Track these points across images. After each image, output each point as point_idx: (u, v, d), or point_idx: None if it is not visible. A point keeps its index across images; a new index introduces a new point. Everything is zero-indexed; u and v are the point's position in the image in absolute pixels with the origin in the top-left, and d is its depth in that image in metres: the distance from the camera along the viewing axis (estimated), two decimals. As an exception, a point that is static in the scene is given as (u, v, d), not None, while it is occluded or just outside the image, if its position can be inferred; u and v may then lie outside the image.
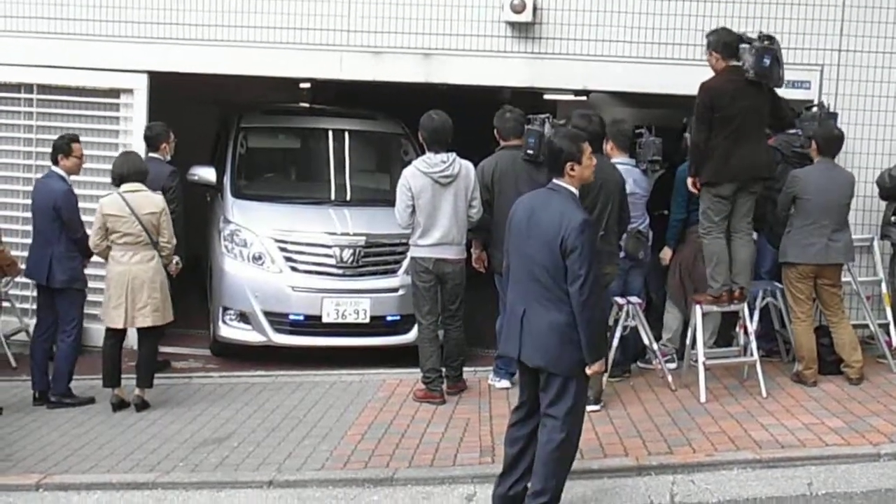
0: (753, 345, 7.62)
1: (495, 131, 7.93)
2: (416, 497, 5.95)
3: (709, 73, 7.47)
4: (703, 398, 7.33)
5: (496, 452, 6.29)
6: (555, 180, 5.47)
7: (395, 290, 8.87)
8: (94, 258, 7.85)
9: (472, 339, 8.35)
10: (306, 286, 8.80)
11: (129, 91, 9.30)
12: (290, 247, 8.88)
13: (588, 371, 5.33)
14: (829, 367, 7.85)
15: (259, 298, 8.81)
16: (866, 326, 8.40)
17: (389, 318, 8.89)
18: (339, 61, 9.12)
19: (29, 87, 9.42)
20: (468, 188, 7.60)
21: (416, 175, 7.55)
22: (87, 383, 7.91)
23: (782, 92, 7.82)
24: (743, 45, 7.38)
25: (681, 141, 8.32)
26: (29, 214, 8.08)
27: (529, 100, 10.05)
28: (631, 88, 9.27)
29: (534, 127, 7.67)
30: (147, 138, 8.76)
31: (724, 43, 7.40)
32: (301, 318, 8.81)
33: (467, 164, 7.65)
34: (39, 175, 8.51)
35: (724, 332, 8.30)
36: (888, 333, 8.34)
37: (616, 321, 7.60)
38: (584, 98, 10.58)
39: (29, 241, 8.05)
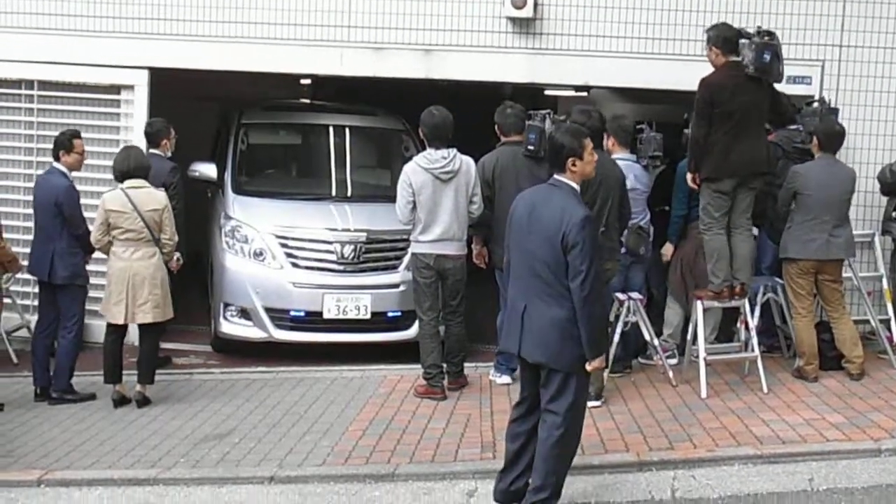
0: (754, 340, 7.62)
1: (496, 127, 7.93)
2: (417, 492, 5.95)
3: (709, 69, 7.46)
4: (704, 394, 7.34)
5: (497, 448, 6.29)
6: (556, 176, 5.47)
7: (395, 286, 8.87)
8: (96, 254, 7.86)
9: (472, 335, 8.34)
10: (307, 282, 8.80)
11: (130, 87, 9.29)
12: (290, 243, 8.88)
13: (588, 367, 5.33)
14: (829, 362, 7.85)
15: (260, 294, 8.81)
16: (867, 322, 8.40)
17: (390, 315, 8.89)
18: (339, 57, 9.11)
19: (30, 84, 9.41)
20: (469, 184, 7.60)
21: (417, 171, 7.55)
22: (89, 379, 7.91)
23: (783, 87, 7.82)
24: (743, 41, 7.36)
25: (681, 136, 8.31)
26: (30, 211, 8.07)
27: (530, 95, 10.04)
28: (632, 84, 9.25)
29: (535, 123, 7.67)
30: (148, 134, 8.73)
31: (723, 38, 7.38)
32: (302, 314, 8.81)
33: (468, 160, 7.64)
34: (40, 171, 8.53)
35: (725, 328, 8.29)
36: (889, 329, 8.33)
37: (617, 317, 7.62)
38: (585, 94, 10.57)
39: (30, 237, 8.03)
